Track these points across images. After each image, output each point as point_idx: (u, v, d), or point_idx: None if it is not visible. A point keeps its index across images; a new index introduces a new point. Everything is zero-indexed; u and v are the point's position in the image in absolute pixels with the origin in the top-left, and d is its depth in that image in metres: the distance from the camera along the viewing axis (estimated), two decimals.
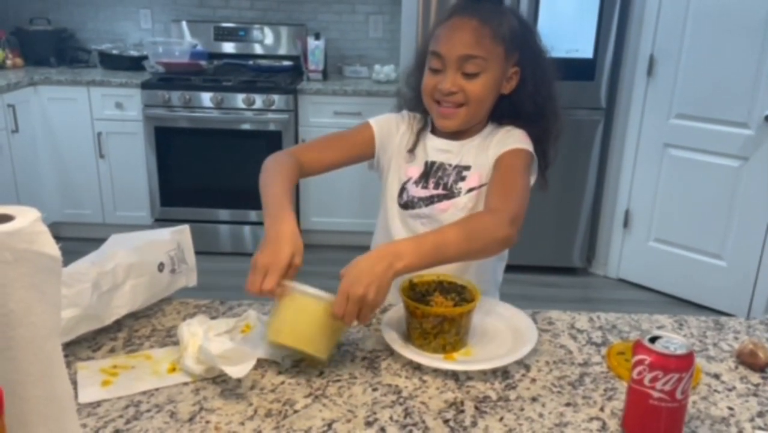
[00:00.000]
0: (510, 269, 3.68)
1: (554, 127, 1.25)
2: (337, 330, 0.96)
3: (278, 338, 0.93)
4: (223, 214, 3.57)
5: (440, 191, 1.24)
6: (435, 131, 1.29)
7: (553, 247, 3.42)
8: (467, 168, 1.24)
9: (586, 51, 3.11)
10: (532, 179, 1.24)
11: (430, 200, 1.25)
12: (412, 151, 1.28)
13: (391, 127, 1.31)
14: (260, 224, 3.59)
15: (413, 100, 1.29)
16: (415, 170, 1.27)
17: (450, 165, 1.25)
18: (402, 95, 1.34)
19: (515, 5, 3.05)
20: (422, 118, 1.31)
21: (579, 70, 3.14)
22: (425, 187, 1.25)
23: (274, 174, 1.15)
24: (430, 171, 1.26)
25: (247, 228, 3.59)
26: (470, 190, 1.23)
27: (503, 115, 1.25)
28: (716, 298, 3.06)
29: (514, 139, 1.22)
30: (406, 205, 1.27)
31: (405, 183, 1.28)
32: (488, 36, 1.15)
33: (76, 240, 3.54)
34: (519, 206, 1.10)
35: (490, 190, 1.16)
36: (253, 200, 3.48)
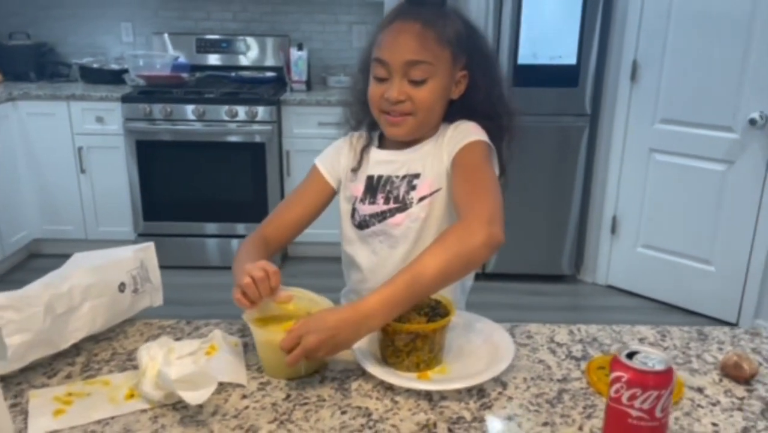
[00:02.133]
0: (499, 277, 3.67)
1: (509, 126, 1.20)
2: None
3: (267, 373, 0.96)
4: (210, 227, 3.52)
5: (392, 205, 1.19)
6: (382, 144, 1.25)
7: (542, 255, 3.39)
8: (416, 176, 1.18)
9: (570, 57, 3.09)
10: (497, 169, 1.16)
11: (382, 216, 1.19)
12: (355, 170, 1.23)
13: (336, 156, 1.27)
14: (246, 237, 3.55)
15: (359, 109, 1.24)
16: (359, 187, 1.22)
17: (397, 176, 1.19)
18: (348, 105, 1.28)
19: (497, 13, 3.04)
20: (366, 135, 1.26)
21: (563, 76, 3.12)
22: (373, 202, 1.20)
23: (238, 256, 1.14)
24: (376, 186, 1.21)
25: (234, 241, 3.54)
26: (422, 198, 1.17)
27: (455, 119, 1.20)
28: (705, 303, 3.03)
29: (466, 132, 1.15)
30: (360, 225, 1.22)
31: (354, 203, 1.23)
32: (433, 39, 1.10)
33: (57, 257, 3.47)
34: (493, 203, 1.01)
35: (457, 195, 1.08)
36: (239, 213, 3.49)
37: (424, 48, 1.10)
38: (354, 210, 1.23)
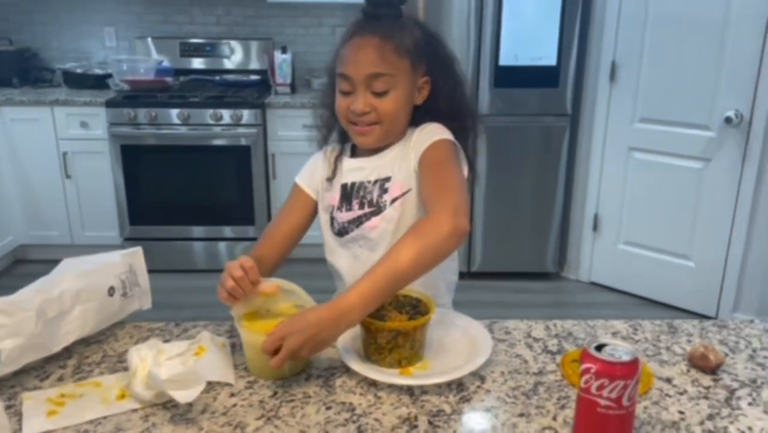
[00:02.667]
0: (484, 276, 3.71)
1: (472, 126, 1.26)
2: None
3: (253, 374, 0.99)
4: (196, 231, 3.53)
5: (367, 210, 1.23)
6: (353, 153, 1.29)
7: (526, 253, 3.44)
8: (387, 179, 1.23)
9: (550, 58, 3.14)
10: (465, 168, 1.21)
11: (359, 221, 1.23)
12: (330, 179, 1.28)
13: (313, 170, 1.31)
14: (235, 239, 3.59)
15: (329, 118, 1.28)
16: (334, 196, 1.27)
17: (369, 181, 1.24)
18: (319, 115, 1.31)
19: (478, 15, 3.09)
20: (339, 147, 1.30)
21: (543, 77, 3.18)
22: (349, 209, 1.24)
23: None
24: (350, 193, 1.25)
25: (222, 244, 3.56)
26: (394, 200, 1.22)
27: (421, 122, 1.24)
28: (685, 298, 3.10)
29: (431, 133, 1.20)
30: (340, 232, 1.26)
31: (332, 212, 1.27)
32: (392, 51, 1.14)
33: (43, 262, 3.47)
34: (458, 196, 1.06)
35: (424, 191, 1.13)
36: (226, 216, 3.51)
37: (384, 60, 1.14)
38: (332, 219, 1.27)
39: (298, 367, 1.00)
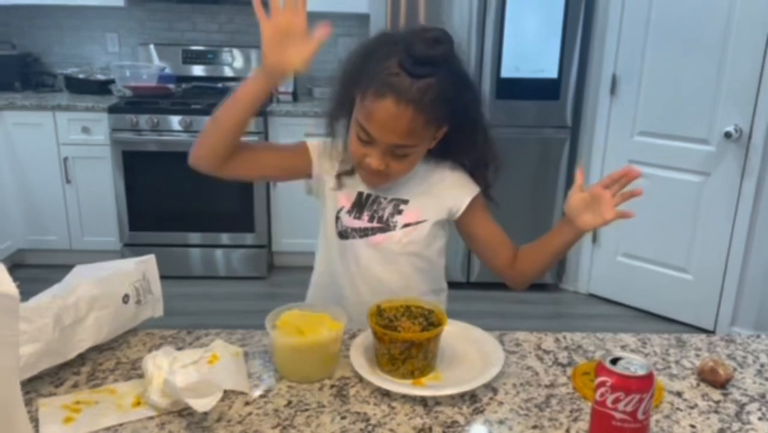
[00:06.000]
0: (483, 286, 3.70)
1: (490, 157, 1.24)
2: (333, 355, 1.02)
3: (288, 378, 1.01)
4: (194, 237, 3.53)
5: (375, 224, 1.23)
6: None
7: None
8: (404, 202, 1.23)
9: (551, 71, 3.18)
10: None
11: (364, 232, 1.23)
12: (340, 177, 1.24)
13: (326, 151, 1.26)
14: (232, 246, 3.59)
15: (336, 116, 1.22)
16: (346, 199, 1.24)
17: (385, 198, 1.24)
18: (327, 114, 1.24)
19: (480, 27, 3.11)
20: None
21: (544, 89, 3.21)
22: (358, 218, 1.24)
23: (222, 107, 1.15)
24: (364, 203, 1.24)
25: (218, 252, 3.57)
26: (406, 225, 1.23)
27: (437, 150, 1.22)
28: (683, 311, 3.12)
29: (468, 187, 1.26)
30: (342, 234, 1.25)
31: (338, 212, 1.25)
32: (422, 125, 1.09)
33: (41, 267, 3.48)
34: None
35: (496, 242, 1.31)
36: (224, 223, 3.51)
37: (412, 135, 1.10)
38: (337, 218, 1.25)
39: (329, 370, 1.01)
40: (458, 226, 1.30)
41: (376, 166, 1.13)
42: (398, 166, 1.15)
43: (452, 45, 1.11)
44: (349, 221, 1.25)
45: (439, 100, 1.08)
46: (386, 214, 1.23)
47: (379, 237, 1.23)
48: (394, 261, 1.25)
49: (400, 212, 1.23)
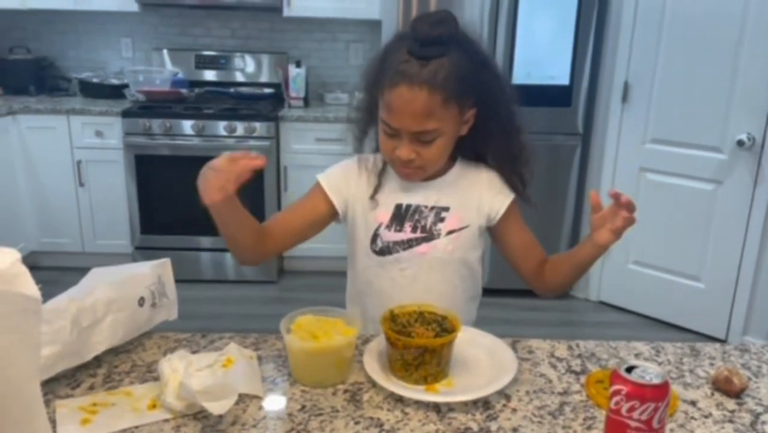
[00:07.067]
0: (492, 293, 3.70)
1: (522, 150, 1.24)
2: (347, 360, 1.02)
3: (301, 382, 1.01)
4: (205, 241, 3.55)
5: (418, 234, 1.22)
6: None
7: None
8: (446, 209, 1.23)
9: (563, 78, 3.18)
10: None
11: (408, 244, 1.22)
12: (374, 196, 1.24)
13: (343, 179, 1.26)
14: None
15: (364, 122, 1.24)
16: (384, 214, 1.23)
17: (426, 207, 1.23)
18: (354, 121, 1.27)
19: (492, 34, 3.12)
20: (381, 161, 1.26)
21: (556, 96, 3.20)
22: (400, 230, 1.22)
23: None
24: (405, 214, 1.23)
25: (229, 255, 3.58)
26: (450, 232, 1.22)
27: (470, 149, 1.24)
28: (695, 319, 3.10)
29: (503, 193, 1.26)
30: (382, 251, 1.23)
31: (377, 229, 1.23)
32: (439, 104, 1.09)
33: (54, 269, 3.50)
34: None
35: (528, 249, 1.30)
36: None
37: (431, 117, 1.10)
38: (376, 236, 1.24)
39: (342, 375, 1.02)
40: (492, 231, 1.30)
41: (406, 156, 1.13)
42: (428, 153, 1.14)
43: (457, 24, 1.11)
44: (391, 235, 1.23)
45: (452, 78, 1.08)
46: (429, 223, 1.22)
47: (423, 247, 1.22)
48: (440, 269, 1.24)
49: (442, 220, 1.22)
